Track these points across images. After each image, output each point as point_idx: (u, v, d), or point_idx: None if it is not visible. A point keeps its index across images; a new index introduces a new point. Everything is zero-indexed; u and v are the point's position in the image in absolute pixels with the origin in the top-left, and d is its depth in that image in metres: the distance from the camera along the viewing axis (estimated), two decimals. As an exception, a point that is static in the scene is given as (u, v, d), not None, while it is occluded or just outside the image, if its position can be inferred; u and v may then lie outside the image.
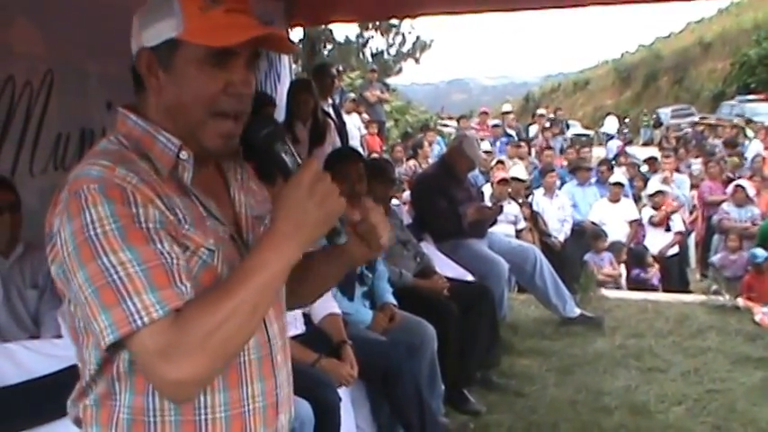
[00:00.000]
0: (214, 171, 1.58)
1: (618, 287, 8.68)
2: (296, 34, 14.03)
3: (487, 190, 9.22)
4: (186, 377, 1.27)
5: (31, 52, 4.27)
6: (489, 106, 23.52)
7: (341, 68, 16.66)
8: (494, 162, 11.01)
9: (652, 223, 9.78)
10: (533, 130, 17.62)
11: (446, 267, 5.71)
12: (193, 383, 1.31)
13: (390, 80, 27.77)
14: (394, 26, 27.84)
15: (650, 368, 5.67)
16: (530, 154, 13.82)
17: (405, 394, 3.98)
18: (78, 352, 1.46)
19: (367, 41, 28.40)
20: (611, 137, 25.37)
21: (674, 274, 9.53)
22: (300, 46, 21.74)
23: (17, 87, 4.18)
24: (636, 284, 8.92)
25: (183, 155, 1.45)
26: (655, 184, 10.73)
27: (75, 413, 1.52)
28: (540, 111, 20.95)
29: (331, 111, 7.57)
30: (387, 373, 3.96)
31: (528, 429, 4.70)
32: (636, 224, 9.72)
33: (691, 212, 11.30)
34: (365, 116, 14.71)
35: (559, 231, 9.37)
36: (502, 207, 7.14)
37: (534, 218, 9.25)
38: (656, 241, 9.61)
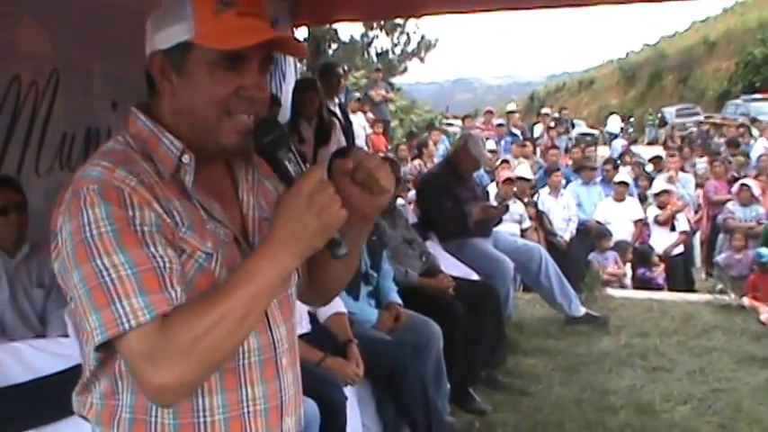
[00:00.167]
0: (224, 171, 1.57)
1: (623, 286, 8.68)
2: (301, 34, 14.03)
3: (492, 189, 9.19)
4: (169, 382, 1.27)
5: (37, 52, 4.28)
6: (494, 105, 23.49)
7: (346, 68, 16.66)
8: (499, 161, 11.02)
9: (657, 222, 9.76)
10: (538, 129, 17.61)
11: (451, 266, 5.71)
12: (177, 388, 1.30)
13: (395, 79, 27.76)
14: (399, 25, 27.81)
15: (655, 367, 5.67)
16: (535, 153, 13.82)
17: (410, 393, 3.98)
18: (80, 348, 1.46)
19: (372, 41, 28.38)
20: (615, 136, 25.34)
21: (679, 274, 9.52)
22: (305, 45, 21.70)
23: (23, 87, 4.19)
24: (641, 284, 8.92)
25: (185, 158, 1.44)
26: (660, 183, 10.71)
27: (78, 406, 1.53)
28: (545, 110, 20.97)
29: (338, 110, 7.56)
30: (392, 372, 3.97)
31: (533, 428, 4.70)
32: (641, 223, 9.72)
33: (696, 212, 11.27)
34: (370, 115, 14.71)
35: (565, 230, 9.38)
36: (507, 206, 7.14)
37: (539, 217, 9.26)
38: (662, 240, 9.60)
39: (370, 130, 13.89)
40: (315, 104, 6.52)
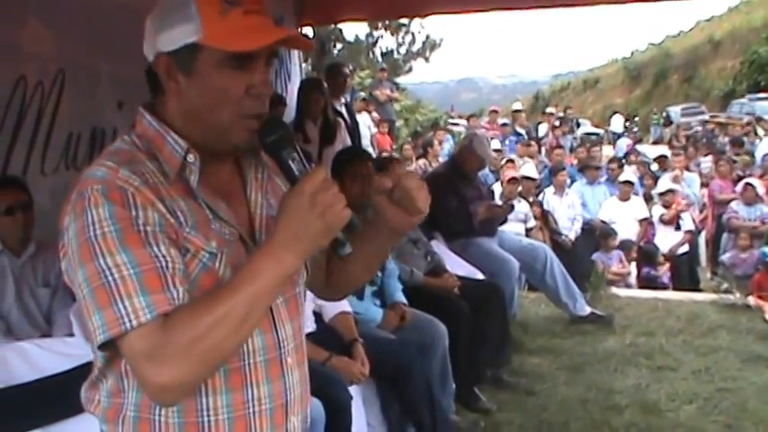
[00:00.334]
0: (232, 170, 1.57)
1: (628, 286, 8.66)
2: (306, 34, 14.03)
3: (498, 188, 9.22)
4: (168, 381, 1.28)
5: (43, 52, 4.29)
6: (499, 105, 23.52)
7: (352, 68, 16.67)
8: (504, 161, 10.98)
9: (662, 222, 9.75)
10: (543, 128, 17.56)
11: (456, 266, 5.71)
12: (177, 387, 1.30)
13: (400, 79, 27.77)
14: (404, 25, 27.80)
15: (661, 367, 5.66)
16: (540, 152, 13.79)
17: (416, 392, 3.98)
18: (91, 344, 1.47)
19: (377, 41, 28.39)
20: (618, 135, 25.31)
21: (684, 273, 9.50)
22: (310, 45, 21.70)
23: (29, 87, 4.20)
24: (646, 283, 8.91)
25: (190, 158, 1.44)
26: (665, 182, 10.70)
27: (86, 402, 1.53)
28: (550, 109, 20.93)
29: (344, 110, 7.56)
30: (398, 372, 3.97)
31: (538, 428, 4.69)
32: (646, 223, 9.70)
33: (701, 211, 11.25)
34: (375, 115, 14.71)
35: (570, 230, 9.36)
36: (512, 206, 7.15)
37: (544, 216, 9.25)
38: (667, 240, 9.58)
39: (375, 130, 13.90)
40: (320, 104, 6.52)
